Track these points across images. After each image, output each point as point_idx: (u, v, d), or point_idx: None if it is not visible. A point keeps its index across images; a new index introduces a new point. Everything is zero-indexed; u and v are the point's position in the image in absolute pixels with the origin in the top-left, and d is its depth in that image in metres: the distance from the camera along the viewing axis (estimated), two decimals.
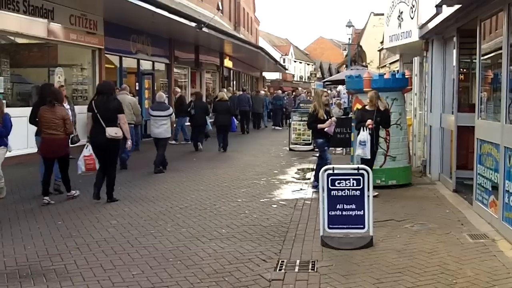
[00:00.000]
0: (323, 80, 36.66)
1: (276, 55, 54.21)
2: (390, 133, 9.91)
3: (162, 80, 21.60)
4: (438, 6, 8.53)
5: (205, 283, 5.16)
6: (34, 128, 9.49)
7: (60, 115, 8.61)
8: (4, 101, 12.07)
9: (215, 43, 25.11)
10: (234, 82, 35.38)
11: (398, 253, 5.98)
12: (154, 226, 7.26)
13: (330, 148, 11.32)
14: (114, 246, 6.33)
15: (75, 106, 13.48)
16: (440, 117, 10.53)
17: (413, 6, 11.48)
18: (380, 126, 9.31)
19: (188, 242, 6.47)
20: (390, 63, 24.97)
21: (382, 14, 16.86)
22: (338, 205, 6.30)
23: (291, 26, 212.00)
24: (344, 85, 14.71)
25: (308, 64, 76.05)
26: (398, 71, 14.24)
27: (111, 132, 8.61)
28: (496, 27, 7.45)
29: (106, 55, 16.70)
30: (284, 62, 58.78)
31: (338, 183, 6.32)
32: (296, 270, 5.51)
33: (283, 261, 5.75)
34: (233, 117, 17.99)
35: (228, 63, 31.58)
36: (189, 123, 17.49)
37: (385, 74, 10.95)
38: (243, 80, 39.31)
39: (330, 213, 6.31)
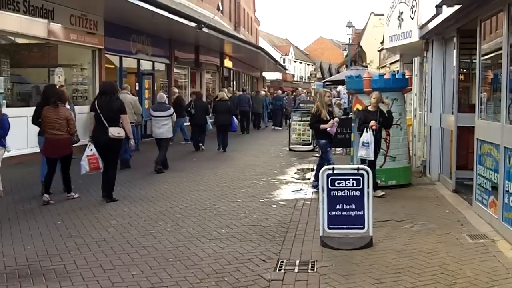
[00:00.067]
0: (323, 80, 36.66)
1: (276, 55, 54.22)
2: (390, 133, 9.91)
3: (162, 80, 21.60)
4: (438, 7, 8.53)
5: (204, 283, 5.15)
6: (34, 128, 9.50)
7: (63, 115, 8.66)
8: (4, 101, 12.10)
9: (215, 43, 25.12)
10: (234, 82, 35.38)
11: (398, 253, 5.98)
12: (153, 226, 7.26)
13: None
14: (113, 246, 6.33)
15: (75, 106, 13.51)
16: (440, 117, 10.53)
17: (413, 7, 11.48)
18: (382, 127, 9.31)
19: (187, 242, 6.47)
20: (390, 63, 24.99)
21: (382, 15, 16.87)
22: (338, 205, 6.30)
23: (291, 26, 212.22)
24: (344, 86, 14.71)
25: (308, 64, 76.07)
26: (398, 71, 14.23)
27: (114, 132, 8.65)
28: (496, 28, 7.45)
29: (106, 55, 16.69)
30: (284, 62, 58.80)
31: (338, 183, 6.32)
32: (296, 270, 5.51)
33: (282, 261, 5.75)
34: (234, 117, 17.99)
35: (228, 63, 31.58)
36: (188, 123, 17.50)
37: (385, 74, 10.95)
38: (243, 80, 39.31)
39: (329, 213, 6.31)
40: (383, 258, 5.81)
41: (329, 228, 6.32)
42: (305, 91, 38.77)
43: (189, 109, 16.44)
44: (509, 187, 6.34)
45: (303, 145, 16.89)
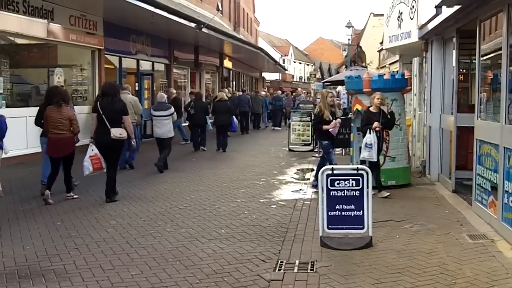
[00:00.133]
0: (322, 81, 36.67)
1: (276, 55, 54.24)
2: (389, 134, 9.91)
3: (162, 80, 21.60)
4: (438, 7, 8.54)
5: (204, 284, 5.15)
6: (34, 129, 9.50)
7: (66, 115, 8.71)
8: (3, 102, 12.10)
9: (214, 44, 25.12)
10: (234, 83, 35.38)
11: (398, 254, 5.98)
12: (153, 226, 7.26)
13: None
14: (113, 246, 6.33)
15: (74, 107, 13.50)
16: (440, 118, 10.53)
17: (413, 7, 11.48)
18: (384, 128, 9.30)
19: (187, 243, 6.47)
20: (390, 64, 25.00)
21: (382, 15, 16.86)
22: (337, 205, 6.30)
23: (290, 27, 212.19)
24: (344, 86, 14.71)
25: (308, 65, 76.08)
26: (397, 71, 14.23)
27: (116, 133, 8.68)
28: (495, 28, 7.45)
29: (105, 55, 16.69)
30: (283, 62, 58.83)
31: (338, 184, 6.32)
32: (295, 270, 5.51)
33: (282, 262, 5.75)
34: (234, 117, 18.02)
35: (227, 63, 31.59)
36: (186, 124, 17.54)
37: (384, 74, 10.95)
38: (242, 80, 39.32)
39: (329, 213, 6.31)
40: (382, 258, 5.81)
41: (328, 228, 6.32)
42: (304, 91, 38.78)
43: (189, 109, 16.45)
44: (509, 187, 6.34)
45: (302, 145, 16.89)
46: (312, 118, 16.76)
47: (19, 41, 13.67)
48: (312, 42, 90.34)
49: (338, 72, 44.36)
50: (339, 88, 23.96)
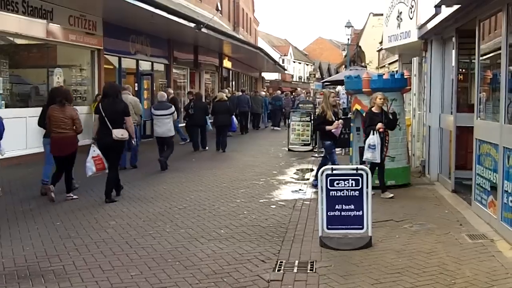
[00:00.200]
0: (322, 81, 36.66)
1: (275, 55, 54.25)
2: (389, 134, 9.89)
3: (161, 80, 21.60)
4: (437, 7, 8.53)
5: (203, 284, 5.15)
6: (33, 129, 9.51)
7: (69, 114, 8.75)
8: (3, 102, 12.10)
9: (214, 44, 25.12)
10: (233, 83, 35.38)
11: (397, 254, 5.98)
12: (152, 227, 7.26)
13: None
14: (112, 247, 6.33)
15: (74, 107, 13.49)
16: (439, 117, 10.53)
17: (412, 7, 11.48)
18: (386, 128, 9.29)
19: (186, 243, 6.47)
20: (389, 64, 24.98)
21: (381, 15, 16.87)
22: (337, 205, 6.30)
23: (290, 27, 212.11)
24: (343, 86, 14.70)
25: (307, 65, 76.08)
26: (397, 71, 14.23)
27: (118, 133, 8.73)
28: (495, 28, 7.45)
29: (105, 55, 16.69)
30: (283, 62, 58.83)
31: (337, 184, 6.31)
32: (295, 270, 5.50)
33: (281, 262, 5.74)
34: (234, 117, 18.03)
35: (227, 63, 31.58)
36: (183, 124, 17.56)
37: (384, 74, 10.95)
38: (242, 80, 39.32)
39: (329, 213, 6.30)
40: (382, 258, 5.81)
41: (328, 228, 6.32)
42: (304, 91, 38.78)
43: (188, 109, 16.45)
44: (508, 187, 6.34)
45: (302, 145, 16.89)
46: (312, 118, 16.85)
47: (19, 41, 13.67)
48: (311, 42, 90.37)
49: (337, 72, 44.38)
50: (339, 88, 23.95)
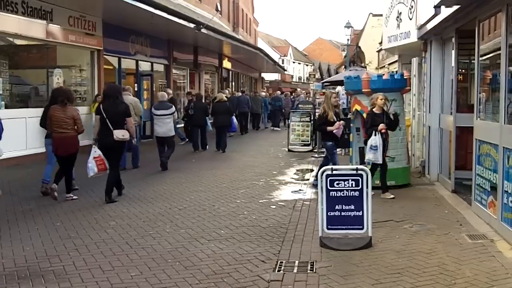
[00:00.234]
0: (322, 81, 36.66)
1: (275, 56, 54.27)
2: (389, 134, 9.90)
3: (161, 81, 21.60)
4: (437, 7, 8.53)
5: (204, 284, 5.15)
6: (33, 129, 9.50)
7: (71, 114, 8.78)
8: (2, 103, 12.10)
9: (214, 44, 25.12)
10: (233, 83, 35.38)
11: (397, 254, 5.98)
12: (152, 227, 7.26)
13: None
14: (112, 247, 6.33)
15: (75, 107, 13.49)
16: (439, 118, 10.53)
17: (412, 7, 11.49)
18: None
19: (187, 243, 6.47)
20: (389, 64, 24.97)
21: (381, 15, 16.88)
22: (337, 205, 6.30)
23: (290, 27, 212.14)
24: (343, 86, 14.70)
25: (307, 65, 76.09)
26: (396, 71, 14.23)
27: (119, 134, 8.76)
28: (494, 28, 7.45)
29: (105, 56, 16.69)
30: (283, 63, 58.85)
31: (337, 184, 6.32)
32: (295, 271, 5.51)
33: (282, 262, 5.75)
34: (233, 117, 18.04)
35: (227, 64, 31.58)
36: (182, 125, 17.55)
37: (383, 75, 10.95)
38: (242, 81, 39.32)
39: (329, 213, 6.30)
40: (382, 259, 5.81)
41: (328, 228, 6.32)
42: (304, 91, 38.77)
43: (188, 110, 16.45)
44: (508, 187, 6.35)
45: (302, 145, 16.89)
46: (312, 118, 16.86)
47: (18, 42, 13.67)
48: (311, 43, 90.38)
49: (337, 73, 44.39)
50: (338, 88, 23.94)
